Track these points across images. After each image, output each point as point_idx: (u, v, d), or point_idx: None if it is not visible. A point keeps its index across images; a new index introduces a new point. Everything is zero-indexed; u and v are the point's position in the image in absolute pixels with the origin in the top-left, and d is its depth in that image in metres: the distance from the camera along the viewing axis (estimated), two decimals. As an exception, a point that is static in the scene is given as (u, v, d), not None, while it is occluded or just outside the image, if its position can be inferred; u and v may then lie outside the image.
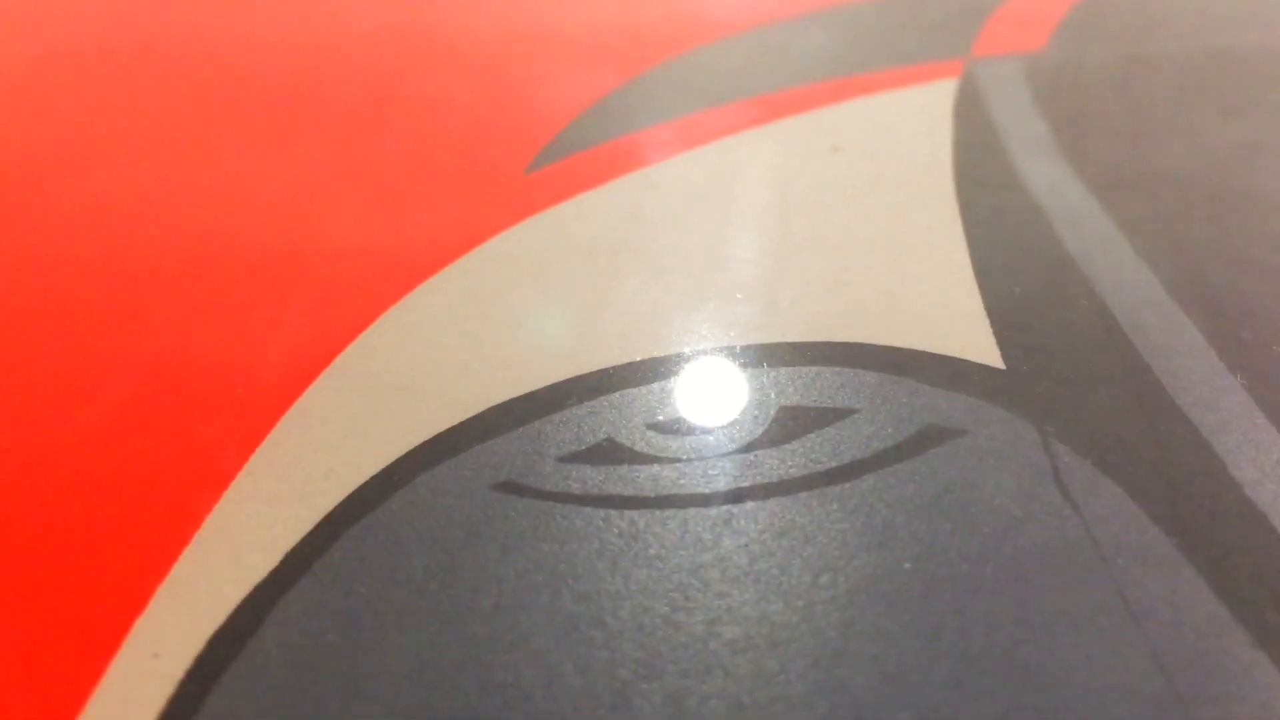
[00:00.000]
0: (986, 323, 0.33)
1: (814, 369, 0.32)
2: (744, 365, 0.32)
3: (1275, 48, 0.55)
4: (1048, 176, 0.42)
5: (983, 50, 0.53)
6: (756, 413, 0.30)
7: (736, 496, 0.28)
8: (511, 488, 0.28)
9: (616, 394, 0.31)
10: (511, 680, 0.23)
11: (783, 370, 0.32)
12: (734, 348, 0.33)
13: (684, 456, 0.29)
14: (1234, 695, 0.23)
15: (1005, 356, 0.32)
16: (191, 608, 0.25)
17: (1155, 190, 0.41)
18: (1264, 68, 0.53)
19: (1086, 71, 0.51)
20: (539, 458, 0.29)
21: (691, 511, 0.27)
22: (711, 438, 0.30)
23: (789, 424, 0.30)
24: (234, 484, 0.28)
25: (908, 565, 0.26)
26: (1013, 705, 0.23)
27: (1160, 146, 0.45)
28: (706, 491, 0.28)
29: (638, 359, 0.32)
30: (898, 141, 0.45)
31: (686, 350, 0.33)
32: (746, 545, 0.26)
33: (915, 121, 0.47)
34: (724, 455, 0.29)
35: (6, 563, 0.26)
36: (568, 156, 0.44)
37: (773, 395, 0.31)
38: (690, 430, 0.30)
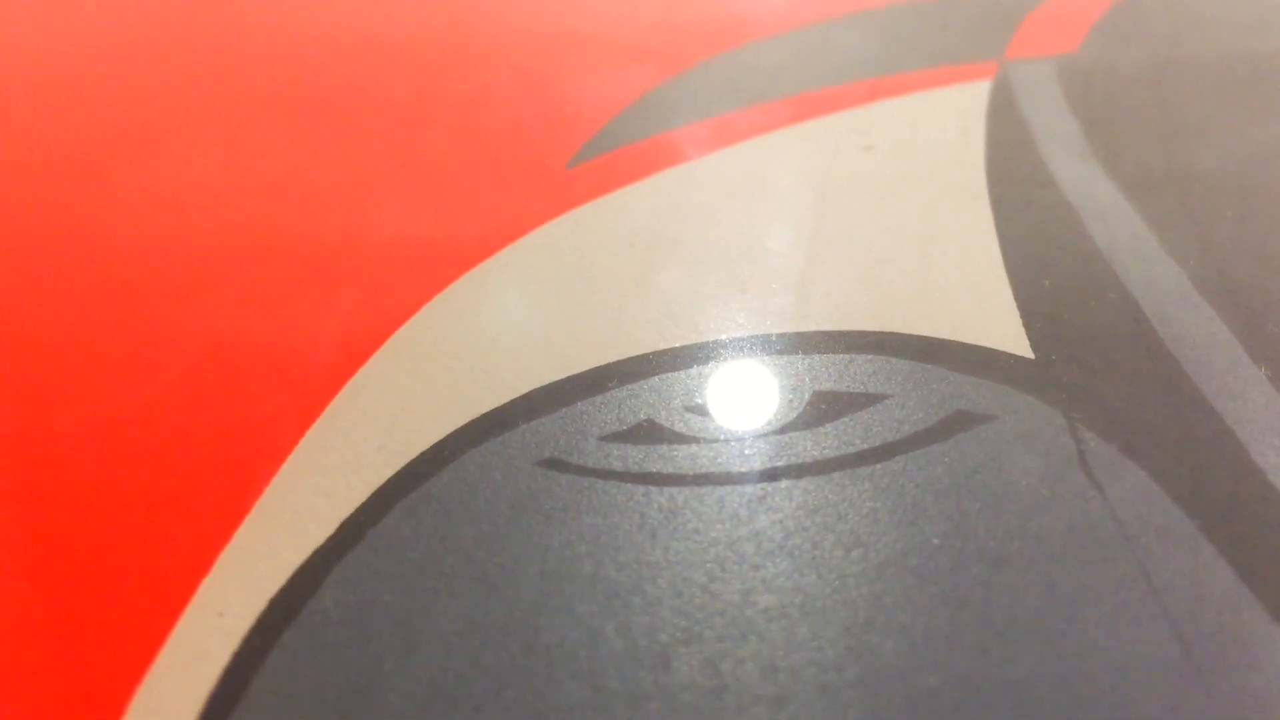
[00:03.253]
0: (1016, 314, 0.34)
1: (847, 356, 0.33)
2: (779, 352, 0.33)
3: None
4: (1079, 175, 0.43)
5: (1016, 52, 0.54)
6: (791, 397, 0.31)
7: (771, 475, 0.29)
8: (555, 464, 0.29)
9: (656, 378, 0.32)
10: (556, 642, 0.25)
11: (816, 357, 0.33)
12: (769, 335, 0.34)
13: (721, 437, 0.30)
14: (1251, 666, 0.24)
15: (1034, 346, 0.33)
16: (253, 571, 0.26)
17: (1184, 189, 0.42)
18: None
19: (1119, 73, 0.52)
20: (582, 437, 0.30)
21: (728, 489, 0.28)
22: (748, 420, 0.31)
23: (822, 408, 0.31)
24: (292, 457, 0.30)
25: (936, 541, 0.27)
26: (1036, 672, 0.23)
27: (1190, 146, 0.45)
28: (743, 470, 0.29)
29: (676, 345, 0.34)
30: (931, 140, 0.46)
31: (724, 337, 0.34)
32: (781, 521, 0.27)
33: (949, 121, 0.48)
34: (760, 436, 0.30)
35: (82, 527, 0.28)
36: (608, 152, 0.45)
37: (807, 380, 0.32)
38: (727, 413, 0.31)
